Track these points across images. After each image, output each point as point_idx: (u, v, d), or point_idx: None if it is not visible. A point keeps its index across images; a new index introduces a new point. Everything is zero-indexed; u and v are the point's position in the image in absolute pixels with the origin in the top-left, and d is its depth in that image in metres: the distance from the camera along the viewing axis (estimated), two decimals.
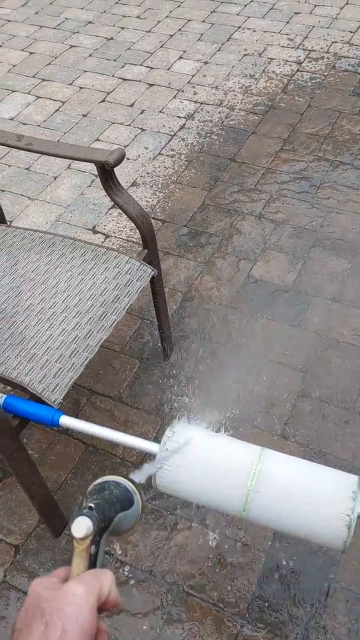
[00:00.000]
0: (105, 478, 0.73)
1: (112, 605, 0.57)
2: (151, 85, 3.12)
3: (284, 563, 1.44)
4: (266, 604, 1.38)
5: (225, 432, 1.17)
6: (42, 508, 1.42)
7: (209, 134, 2.77)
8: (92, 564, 0.59)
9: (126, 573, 1.44)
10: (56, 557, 1.48)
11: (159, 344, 1.88)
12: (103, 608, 0.56)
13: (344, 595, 1.39)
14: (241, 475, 1.01)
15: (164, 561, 1.46)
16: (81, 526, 0.59)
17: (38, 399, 1.23)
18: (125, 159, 2.66)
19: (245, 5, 3.72)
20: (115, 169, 1.44)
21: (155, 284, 1.62)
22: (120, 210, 2.40)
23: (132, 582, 1.42)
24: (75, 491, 1.60)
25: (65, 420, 1.18)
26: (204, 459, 1.04)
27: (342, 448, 1.65)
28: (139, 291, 1.45)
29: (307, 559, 1.44)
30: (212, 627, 1.35)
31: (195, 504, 1.49)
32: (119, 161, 1.39)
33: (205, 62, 3.25)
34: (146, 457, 1.64)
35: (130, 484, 0.73)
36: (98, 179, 2.40)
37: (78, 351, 1.29)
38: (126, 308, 1.40)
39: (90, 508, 0.63)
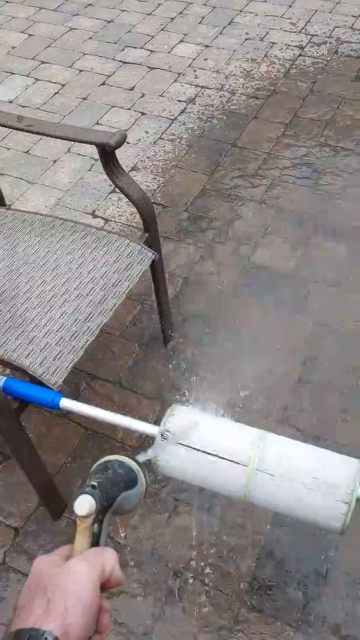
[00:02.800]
0: (109, 457, 0.73)
1: (115, 583, 0.57)
2: (152, 68, 3.09)
3: (283, 546, 1.45)
4: (264, 587, 1.39)
5: (225, 415, 1.17)
6: (42, 490, 1.43)
7: (209, 119, 2.75)
8: (95, 542, 0.59)
9: (125, 555, 1.44)
10: (56, 539, 1.48)
11: (159, 329, 1.87)
12: (106, 586, 0.56)
13: (342, 579, 1.40)
14: (242, 457, 1.01)
15: (163, 544, 1.46)
16: (83, 504, 0.59)
17: (38, 382, 1.22)
18: (125, 143, 2.64)
19: None
20: (115, 153, 1.43)
21: (156, 268, 1.61)
22: (120, 195, 2.39)
23: (132, 564, 1.43)
24: (74, 474, 1.60)
25: (66, 403, 1.17)
26: (204, 441, 1.04)
27: (342, 434, 1.65)
28: (139, 275, 1.44)
29: (305, 543, 1.45)
30: (210, 608, 1.36)
31: (196, 487, 1.50)
32: (120, 143, 1.37)
33: (207, 46, 3.22)
34: (146, 440, 1.64)
35: (134, 463, 0.73)
36: (98, 163, 2.38)
37: (78, 334, 1.29)
38: (127, 292, 1.40)
39: (93, 487, 0.62)
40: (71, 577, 0.53)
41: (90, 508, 0.58)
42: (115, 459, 0.72)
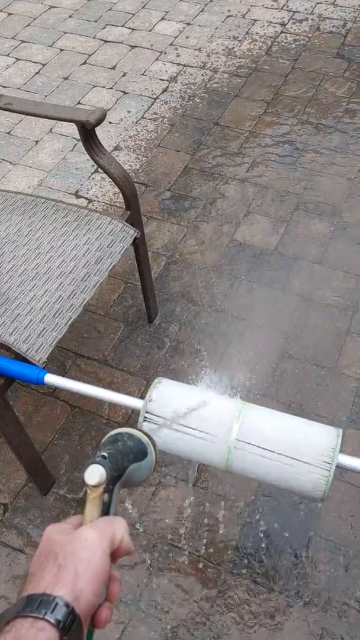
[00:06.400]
0: (119, 430, 0.73)
1: (125, 552, 0.57)
2: (133, 47, 3.06)
3: (266, 515, 1.48)
4: (249, 555, 1.43)
5: (207, 388, 1.19)
6: (30, 467, 1.45)
7: (192, 97, 2.74)
8: (105, 512, 0.60)
9: None
10: (44, 514, 1.51)
11: (143, 308, 1.89)
12: (116, 555, 0.57)
13: (324, 545, 1.44)
14: (223, 427, 1.04)
15: (149, 516, 1.49)
16: (94, 473, 0.59)
17: (23, 359, 1.24)
18: (107, 122, 2.65)
19: None
20: (97, 133, 1.44)
21: (139, 246, 1.62)
22: (103, 175, 2.38)
23: None
24: (62, 451, 1.63)
25: (50, 379, 1.19)
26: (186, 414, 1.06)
27: (324, 406, 1.68)
28: (121, 252, 1.45)
29: (288, 512, 1.49)
30: (196, 577, 1.40)
31: (180, 460, 1.53)
32: (100, 121, 1.38)
33: (188, 24, 3.20)
34: (132, 416, 1.66)
35: (144, 435, 0.73)
36: (80, 144, 2.37)
37: (62, 311, 1.30)
38: (109, 269, 1.41)
39: (103, 457, 0.63)
40: (82, 544, 0.54)
41: (101, 477, 0.59)
42: (126, 431, 0.73)
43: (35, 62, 3.01)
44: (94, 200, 2.31)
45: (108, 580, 0.55)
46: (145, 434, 0.74)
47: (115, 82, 2.85)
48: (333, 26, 3.09)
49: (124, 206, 1.55)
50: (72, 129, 2.55)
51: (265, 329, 1.87)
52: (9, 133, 2.63)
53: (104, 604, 0.55)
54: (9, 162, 2.49)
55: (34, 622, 0.48)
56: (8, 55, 3.06)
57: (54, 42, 3.13)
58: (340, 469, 1.01)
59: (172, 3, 3.35)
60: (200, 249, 2.12)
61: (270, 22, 3.16)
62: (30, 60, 3.02)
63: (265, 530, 1.46)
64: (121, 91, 2.81)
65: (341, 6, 3.22)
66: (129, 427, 0.75)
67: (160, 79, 2.86)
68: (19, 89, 2.85)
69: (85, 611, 0.51)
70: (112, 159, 1.47)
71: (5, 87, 2.86)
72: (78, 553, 0.53)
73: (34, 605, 0.49)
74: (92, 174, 2.42)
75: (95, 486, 0.59)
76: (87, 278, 1.37)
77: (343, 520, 1.47)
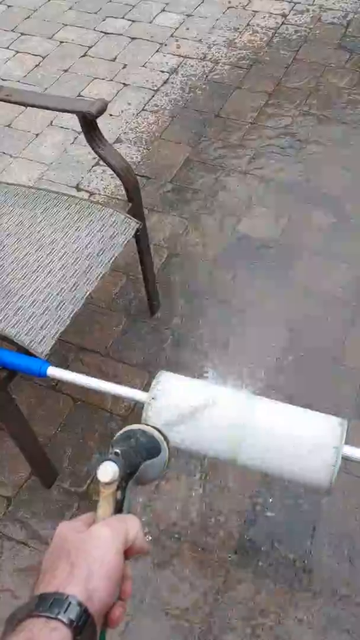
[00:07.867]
0: (132, 426, 0.72)
1: (138, 550, 0.57)
2: (133, 39, 3.04)
3: (270, 509, 1.48)
4: (254, 548, 1.42)
5: (212, 382, 1.19)
6: (33, 460, 1.45)
7: (193, 89, 2.72)
8: (119, 509, 0.59)
9: None
10: (48, 507, 1.51)
11: (145, 300, 1.88)
12: (129, 553, 0.56)
13: (328, 539, 1.43)
14: (229, 420, 1.03)
15: (153, 510, 1.49)
16: (107, 471, 0.59)
17: (25, 351, 1.23)
18: (108, 115, 2.63)
19: None
20: (98, 126, 1.43)
21: (140, 239, 1.61)
22: (104, 167, 2.37)
23: None
24: (65, 444, 1.62)
25: (53, 371, 1.18)
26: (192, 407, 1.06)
27: (328, 399, 1.67)
28: (124, 244, 1.44)
29: (292, 505, 1.49)
30: (200, 570, 1.40)
31: (184, 454, 1.52)
32: (101, 111, 1.37)
33: (189, 15, 3.17)
34: (135, 409, 1.66)
35: (157, 432, 0.72)
36: (81, 136, 2.36)
37: (64, 303, 1.30)
38: (111, 261, 1.40)
39: (116, 454, 0.62)
40: (94, 542, 0.53)
41: (114, 475, 0.58)
42: (138, 427, 0.72)
43: (35, 55, 2.99)
44: (95, 193, 2.30)
45: (121, 578, 0.54)
46: (159, 430, 0.73)
47: (116, 74, 2.83)
48: (334, 17, 3.06)
49: (126, 199, 1.54)
50: (73, 122, 2.53)
51: (267, 321, 1.86)
52: (9, 126, 2.61)
53: (116, 603, 0.54)
54: (10, 155, 2.48)
55: (46, 621, 0.48)
56: (8, 47, 3.04)
57: (53, 35, 3.11)
58: (345, 461, 1.01)
59: None
60: (202, 241, 2.11)
61: (271, 14, 3.13)
62: (30, 53, 3.00)
63: (270, 522, 1.46)
64: (121, 83, 2.79)
65: None
66: (132, 420, 0.74)
67: (161, 71, 2.84)
68: (18, 81, 2.83)
69: (98, 610, 0.50)
70: (113, 150, 1.47)
71: (5, 79, 2.84)
72: (91, 551, 0.52)
73: (46, 604, 0.48)
74: (93, 166, 2.41)
75: (109, 483, 0.58)
76: (90, 270, 1.36)
77: (348, 513, 1.47)
